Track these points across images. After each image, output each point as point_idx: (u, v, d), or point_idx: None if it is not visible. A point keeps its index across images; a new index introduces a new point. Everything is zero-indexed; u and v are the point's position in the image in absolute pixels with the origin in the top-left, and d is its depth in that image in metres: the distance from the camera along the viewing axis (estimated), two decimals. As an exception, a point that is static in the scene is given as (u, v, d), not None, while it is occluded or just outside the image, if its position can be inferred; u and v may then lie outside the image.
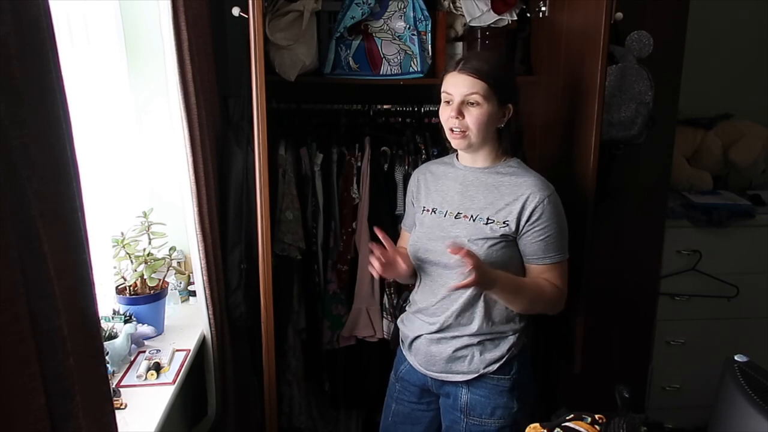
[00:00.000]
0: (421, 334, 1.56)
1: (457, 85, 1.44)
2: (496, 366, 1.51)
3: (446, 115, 1.47)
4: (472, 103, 1.43)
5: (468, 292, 1.48)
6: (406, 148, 2.03)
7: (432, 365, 1.55)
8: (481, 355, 1.51)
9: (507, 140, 1.54)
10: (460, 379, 1.53)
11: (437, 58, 1.98)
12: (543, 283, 1.49)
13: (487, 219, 1.47)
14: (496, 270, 1.42)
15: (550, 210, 1.45)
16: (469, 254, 1.33)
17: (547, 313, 1.54)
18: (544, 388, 2.28)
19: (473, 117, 1.43)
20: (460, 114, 1.44)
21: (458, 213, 1.52)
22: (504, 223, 1.46)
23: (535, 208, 1.44)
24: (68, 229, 0.83)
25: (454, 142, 1.49)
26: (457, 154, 1.60)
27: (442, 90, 1.49)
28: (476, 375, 1.51)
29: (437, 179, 1.60)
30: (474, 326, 1.50)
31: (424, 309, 1.56)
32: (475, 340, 1.51)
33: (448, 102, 1.47)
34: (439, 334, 1.53)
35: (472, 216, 1.49)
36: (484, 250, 1.45)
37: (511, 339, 1.53)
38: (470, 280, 1.33)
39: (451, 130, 1.47)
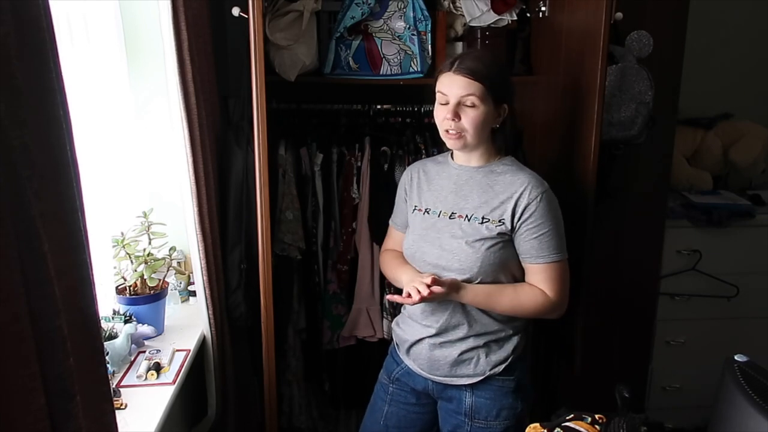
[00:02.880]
0: (422, 339, 1.54)
1: (453, 87, 1.43)
2: (501, 367, 1.50)
3: (442, 116, 1.45)
4: (468, 105, 1.42)
5: None
6: (406, 148, 2.03)
7: (435, 370, 1.53)
8: (486, 357, 1.50)
9: (502, 140, 1.54)
10: (466, 383, 1.51)
11: (437, 58, 1.98)
12: (525, 294, 1.47)
13: (482, 218, 1.47)
14: (464, 284, 1.45)
15: (544, 207, 1.44)
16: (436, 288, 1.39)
17: (542, 317, 1.52)
18: (544, 388, 2.28)
19: (469, 118, 1.42)
20: (456, 116, 1.42)
21: (452, 213, 1.51)
22: (500, 221, 1.45)
23: (529, 204, 1.44)
24: (68, 229, 0.83)
25: (450, 142, 1.48)
26: (451, 153, 1.59)
27: (436, 90, 1.47)
28: (482, 377, 1.50)
29: (431, 179, 1.59)
30: (475, 321, 1.49)
31: (421, 311, 1.54)
32: (481, 341, 1.50)
33: (443, 103, 1.46)
34: (440, 337, 1.51)
35: (467, 216, 1.48)
36: (482, 252, 1.45)
37: (515, 339, 1.53)
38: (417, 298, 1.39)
39: (447, 132, 1.45)
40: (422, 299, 1.40)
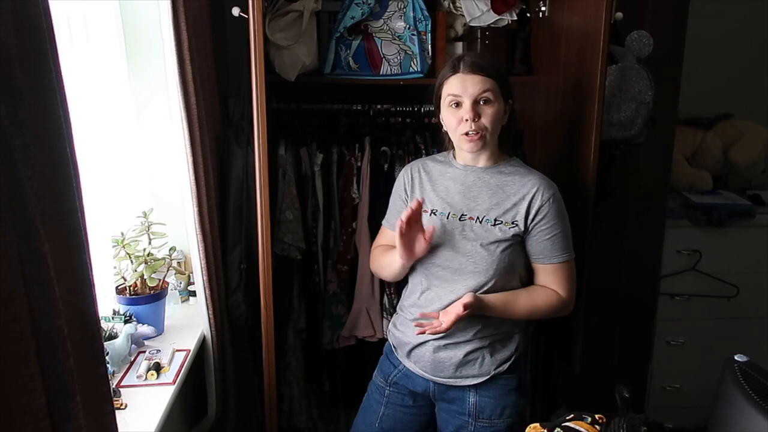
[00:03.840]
0: (426, 341, 1.51)
1: (467, 87, 1.41)
2: (506, 366, 1.50)
3: (458, 119, 1.42)
4: (485, 102, 1.41)
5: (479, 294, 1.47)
6: (406, 148, 2.03)
7: (440, 372, 1.52)
8: (491, 356, 1.50)
9: (508, 138, 1.53)
10: (470, 383, 1.50)
11: (437, 58, 1.98)
12: (539, 297, 1.48)
13: (495, 220, 1.46)
14: (486, 297, 1.44)
15: (555, 208, 1.45)
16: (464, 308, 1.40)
17: (554, 316, 1.54)
18: (544, 388, 2.28)
19: (488, 116, 1.41)
20: (477, 115, 1.41)
21: (462, 215, 1.49)
22: (513, 223, 1.45)
23: (541, 206, 1.44)
24: (68, 229, 0.83)
25: (470, 145, 1.44)
26: (453, 153, 1.56)
27: (446, 93, 1.44)
28: (487, 377, 1.49)
29: (434, 179, 1.56)
30: (483, 325, 1.48)
31: (429, 316, 1.50)
32: (486, 342, 1.49)
33: (454, 105, 1.43)
34: (446, 339, 1.49)
35: (478, 218, 1.47)
36: (498, 255, 1.44)
37: (518, 338, 1.53)
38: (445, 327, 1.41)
39: (466, 134, 1.42)
40: (450, 327, 1.41)
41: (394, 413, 1.62)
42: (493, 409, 1.50)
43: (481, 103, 1.41)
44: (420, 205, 1.41)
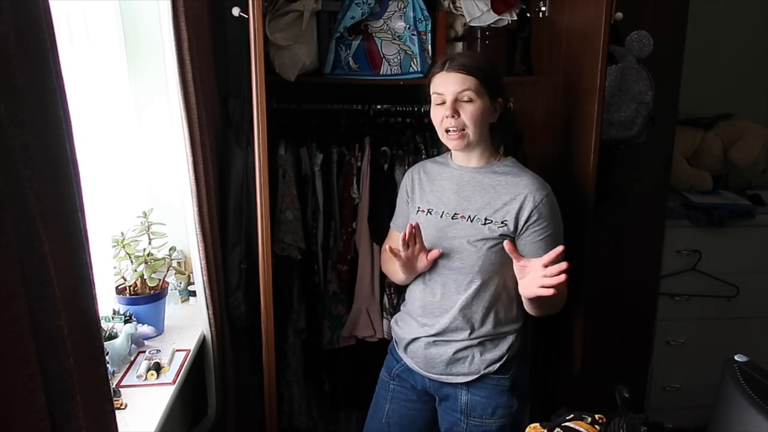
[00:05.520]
0: (418, 337, 1.55)
1: (448, 84, 1.44)
2: (496, 366, 1.51)
3: (440, 116, 1.46)
4: (466, 100, 1.43)
5: (469, 292, 1.48)
6: (406, 148, 2.03)
7: (431, 368, 1.54)
8: (481, 355, 1.51)
9: (500, 137, 1.54)
10: (461, 381, 1.52)
11: (437, 58, 1.98)
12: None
13: (485, 219, 1.47)
14: None
15: (548, 210, 1.46)
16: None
17: (549, 313, 1.54)
18: (544, 388, 2.28)
19: (468, 113, 1.43)
20: (455, 112, 1.43)
21: (455, 213, 1.51)
22: (502, 223, 1.46)
23: (534, 208, 1.44)
24: (68, 229, 0.83)
25: (452, 143, 1.48)
26: (451, 154, 1.59)
27: (431, 92, 1.48)
28: (477, 376, 1.51)
29: (432, 180, 1.60)
30: (475, 329, 1.50)
31: (421, 309, 1.55)
32: (476, 341, 1.51)
33: (439, 103, 1.47)
34: (436, 336, 1.52)
35: (469, 216, 1.49)
36: (484, 252, 1.45)
37: (511, 338, 1.53)
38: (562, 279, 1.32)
39: (448, 131, 1.46)
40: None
41: (399, 408, 1.65)
42: (484, 408, 1.52)
43: (462, 100, 1.43)
44: (413, 228, 1.45)
